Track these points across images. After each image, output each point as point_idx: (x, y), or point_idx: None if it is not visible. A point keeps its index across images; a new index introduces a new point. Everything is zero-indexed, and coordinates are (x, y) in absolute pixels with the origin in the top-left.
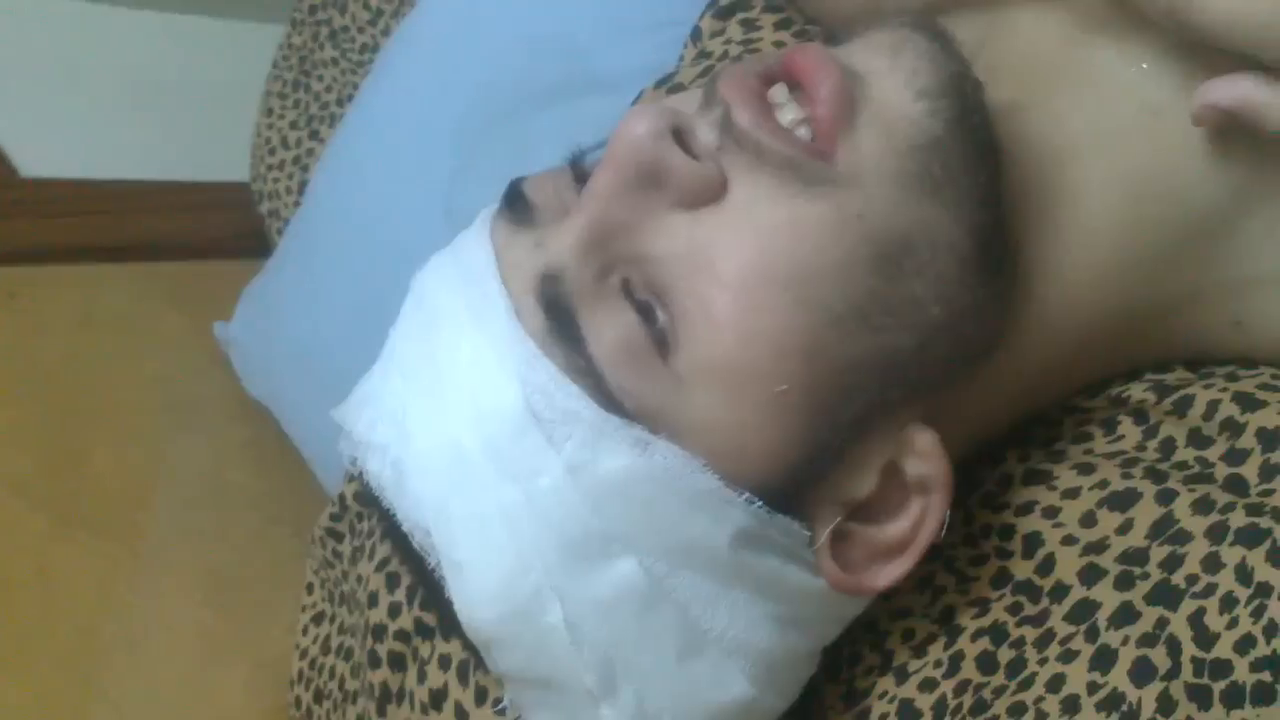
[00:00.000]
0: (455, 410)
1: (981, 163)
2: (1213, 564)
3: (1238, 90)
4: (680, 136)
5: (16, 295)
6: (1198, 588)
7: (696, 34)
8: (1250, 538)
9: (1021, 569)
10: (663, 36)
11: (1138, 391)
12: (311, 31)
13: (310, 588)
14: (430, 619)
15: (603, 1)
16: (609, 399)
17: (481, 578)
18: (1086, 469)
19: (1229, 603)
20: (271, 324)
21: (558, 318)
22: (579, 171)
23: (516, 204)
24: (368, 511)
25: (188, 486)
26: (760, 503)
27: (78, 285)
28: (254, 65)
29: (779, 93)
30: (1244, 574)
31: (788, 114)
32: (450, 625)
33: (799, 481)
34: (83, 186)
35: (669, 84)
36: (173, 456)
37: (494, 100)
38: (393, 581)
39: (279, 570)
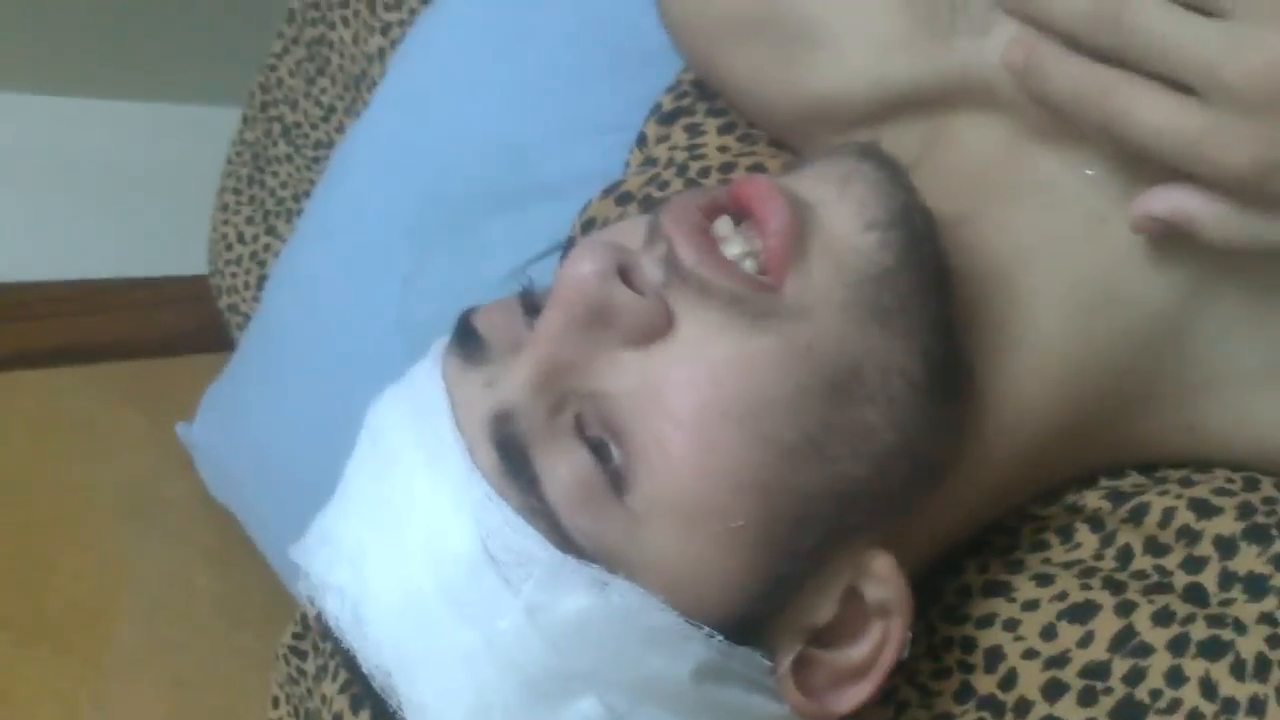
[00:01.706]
0: (412, 553)
1: (933, 291)
2: (1176, 678)
3: (1172, 200)
4: (626, 274)
5: None
6: (1161, 703)
7: (642, 140)
8: (1212, 650)
9: (985, 683)
10: (609, 141)
11: (1093, 499)
12: (264, 127)
13: (276, 702)
14: None
15: (549, 106)
16: (565, 539)
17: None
18: (1045, 580)
19: (1194, 718)
20: (233, 428)
21: (511, 458)
22: (529, 303)
23: (467, 339)
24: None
25: (153, 594)
26: (721, 636)
27: (38, 390)
28: (211, 150)
29: (723, 225)
30: (1209, 688)
31: (733, 247)
32: None
33: (759, 612)
34: (43, 289)
35: (616, 192)
36: (138, 563)
37: (444, 205)
38: (358, 703)
39: (244, 677)
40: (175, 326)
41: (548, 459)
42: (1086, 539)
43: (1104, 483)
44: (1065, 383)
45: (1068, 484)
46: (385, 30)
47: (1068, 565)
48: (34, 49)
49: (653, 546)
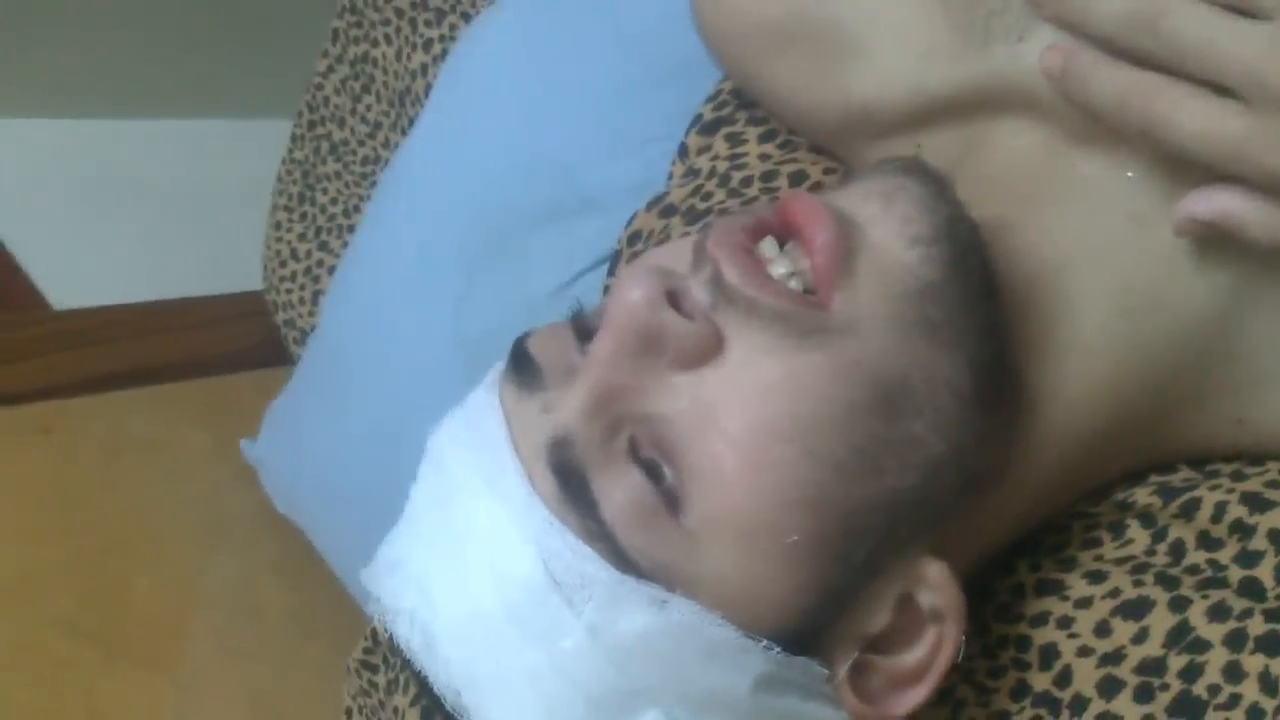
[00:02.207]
0: (477, 577)
1: (979, 302)
2: (1234, 673)
3: (1216, 202)
4: (674, 299)
5: (52, 429)
6: (1220, 698)
7: (684, 151)
8: (1271, 645)
9: (1040, 680)
10: (651, 153)
11: (1143, 495)
12: (313, 146)
13: (349, 713)
14: None
15: (590, 121)
16: (624, 559)
17: None
18: (1097, 577)
19: (1255, 714)
20: (296, 444)
21: (569, 483)
22: (580, 327)
23: (523, 366)
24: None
25: (224, 608)
26: (778, 647)
27: (106, 413)
28: (261, 164)
29: (768, 247)
30: (1268, 683)
31: (778, 267)
32: None
33: (815, 623)
34: (110, 313)
35: (660, 204)
36: (208, 579)
37: (491, 222)
38: (428, 716)
39: (316, 688)
40: (234, 343)
41: (604, 482)
42: (1138, 535)
43: (1154, 478)
44: (1113, 385)
45: (1117, 481)
46: (427, 46)
47: (1120, 562)
48: (76, 74)
49: (709, 563)
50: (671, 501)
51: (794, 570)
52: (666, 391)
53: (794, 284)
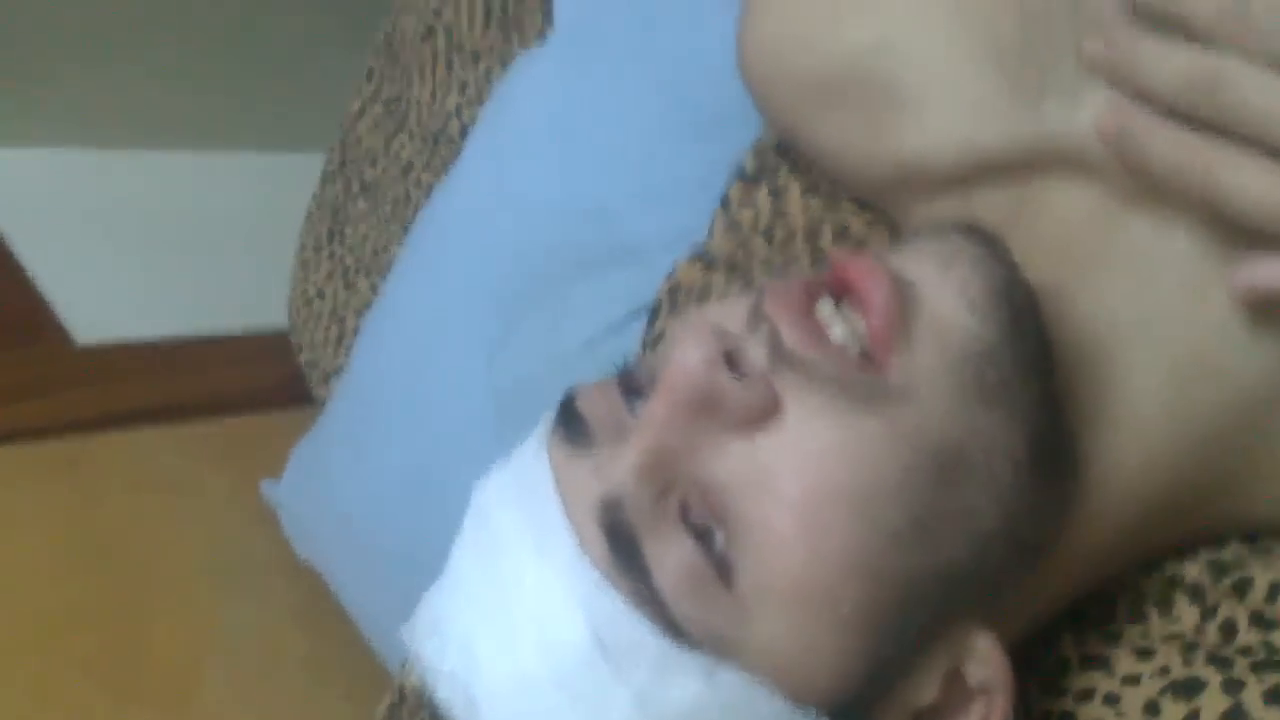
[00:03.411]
0: (523, 639)
1: (1036, 368)
2: None
3: (1278, 271)
4: (731, 360)
5: (77, 465)
6: None
7: (725, 202)
8: None
9: None
10: (691, 202)
11: (1193, 570)
12: (343, 184)
13: None
14: None
15: (630, 169)
16: (674, 626)
17: None
18: (1145, 654)
19: None
20: (319, 488)
21: (620, 546)
22: (628, 384)
23: (572, 425)
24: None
25: (241, 653)
26: (827, 719)
27: (130, 450)
28: (286, 199)
29: (826, 308)
30: None
31: (836, 331)
32: None
33: (865, 695)
34: (133, 349)
35: (703, 258)
36: (226, 623)
37: (529, 270)
38: None
39: None
40: (257, 382)
41: (656, 547)
42: (1187, 612)
43: (1204, 553)
44: (1167, 457)
45: (1166, 553)
46: (462, 88)
47: (1168, 639)
48: (105, 104)
49: (760, 632)
50: (723, 569)
51: (846, 641)
52: (720, 454)
53: (852, 347)
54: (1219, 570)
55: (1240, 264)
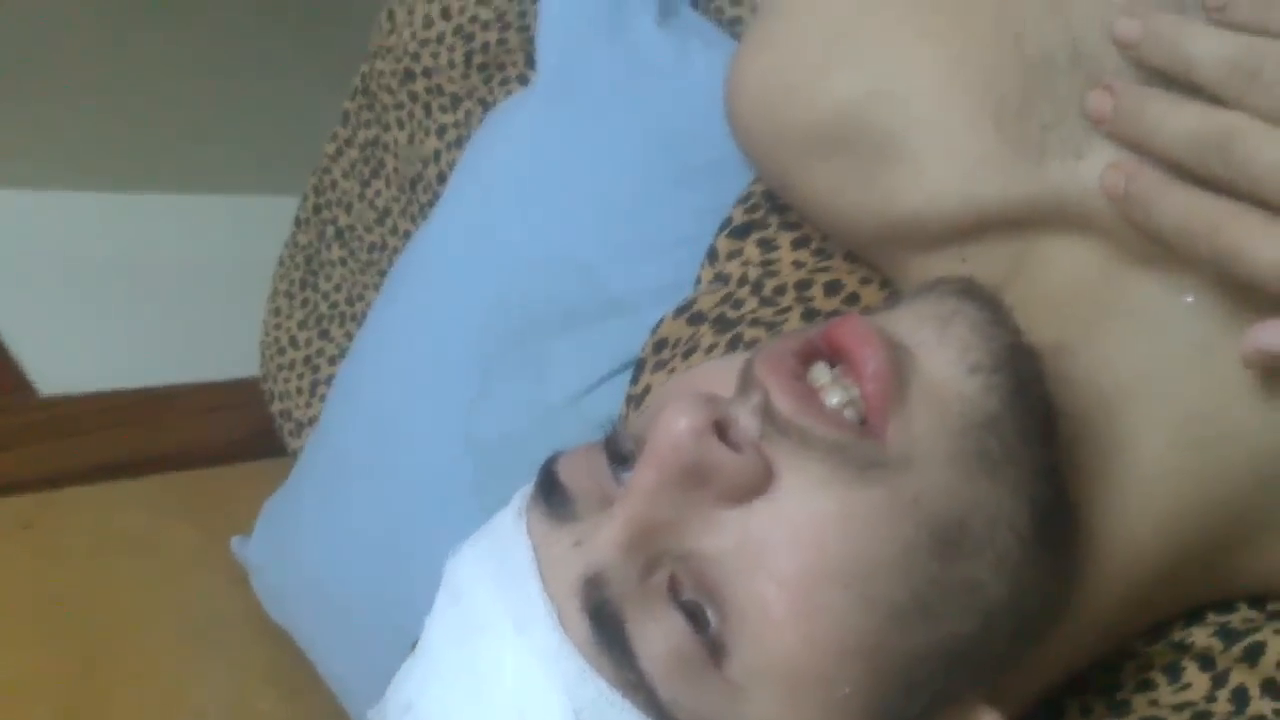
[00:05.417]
0: None
1: (1040, 436)
2: None
3: None
4: (722, 429)
5: (33, 524)
6: None
7: (713, 255)
8: None
9: None
10: (678, 255)
11: (1201, 636)
12: (317, 230)
13: None
14: None
15: (615, 221)
16: (662, 712)
17: None
18: None
19: None
20: (289, 548)
21: (605, 629)
22: (614, 451)
23: (553, 493)
24: None
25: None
26: None
27: (91, 507)
28: (256, 244)
29: (820, 373)
30: None
31: (832, 396)
32: None
33: None
34: (98, 400)
35: (688, 312)
36: (194, 688)
37: (510, 323)
38: None
39: None
40: (227, 433)
41: (642, 627)
42: (1196, 679)
43: (1212, 617)
44: (1173, 521)
45: (1172, 618)
46: (441, 133)
47: (1178, 708)
48: (71, 145)
49: (754, 715)
50: (715, 650)
51: None
52: (711, 527)
53: (849, 413)
54: (1229, 636)
55: (1250, 330)
